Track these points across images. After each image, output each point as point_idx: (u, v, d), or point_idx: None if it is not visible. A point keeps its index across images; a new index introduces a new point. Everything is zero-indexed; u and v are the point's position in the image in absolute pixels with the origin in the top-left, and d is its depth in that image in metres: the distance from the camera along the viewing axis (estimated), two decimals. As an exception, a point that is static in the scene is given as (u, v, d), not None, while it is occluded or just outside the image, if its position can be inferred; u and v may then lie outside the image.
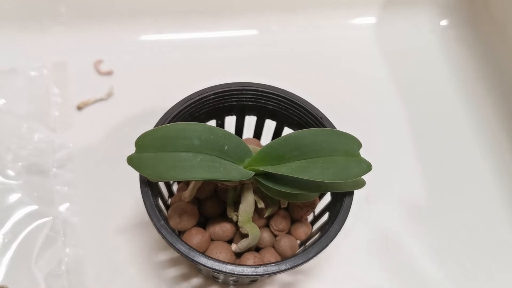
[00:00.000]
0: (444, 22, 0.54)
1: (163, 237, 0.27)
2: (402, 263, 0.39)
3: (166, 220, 0.29)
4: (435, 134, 0.46)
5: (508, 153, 0.45)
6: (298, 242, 0.33)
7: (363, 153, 0.28)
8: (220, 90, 0.32)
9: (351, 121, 0.38)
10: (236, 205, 0.31)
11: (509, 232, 0.41)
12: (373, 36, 0.52)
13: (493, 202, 0.43)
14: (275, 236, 0.33)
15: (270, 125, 0.35)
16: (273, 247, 0.32)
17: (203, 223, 0.33)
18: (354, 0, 0.53)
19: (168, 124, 0.27)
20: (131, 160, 0.26)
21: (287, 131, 0.34)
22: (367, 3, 0.53)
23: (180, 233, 0.32)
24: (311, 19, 0.53)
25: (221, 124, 0.35)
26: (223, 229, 0.31)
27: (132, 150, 0.27)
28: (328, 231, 0.28)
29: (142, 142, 0.27)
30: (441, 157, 0.45)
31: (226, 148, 0.28)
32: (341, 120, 0.34)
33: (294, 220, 0.33)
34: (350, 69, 0.50)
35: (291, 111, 0.33)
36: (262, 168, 0.27)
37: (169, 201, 0.35)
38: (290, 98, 0.32)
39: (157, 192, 0.30)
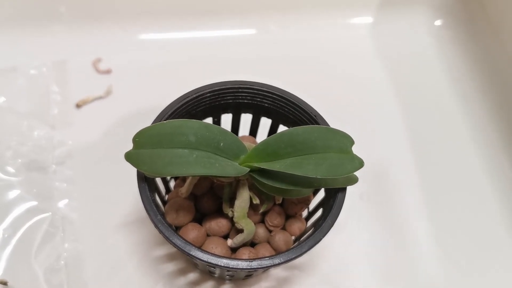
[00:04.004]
0: (438, 22, 0.54)
1: (160, 231, 0.27)
2: (395, 260, 0.39)
3: (163, 215, 0.29)
4: (430, 132, 0.47)
5: (503, 153, 0.46)
6: (293, 237, 0.34)
7: (358, 151, 0.29)
8: (216, 88, 0.33)
9: (346, 120, 0.39)
10: (231, 201, 0.31)
11: (504, 230, 0.42)
12: (369, 36, 0.53)
13: (488, 201, 0.43)
14: (270, 231, 0.33)
15: (265, 123, 0.36)
16: (268, 242, 0.33)
17: (200, 218, 0.33)
18: (351, 0, 0.53)
19: (165, 121, 0.28)
20: (128, 156, 0.27)
21: (282, 129, 0.35)
22: (364, 3, 0.54)
23: (177, 229, 0.33)
24: (309, 19, 0.53)
25: (217, 122, 0.35)
26: (219, 224, 0.32)
27: (130, 147, 0.27)
28: (321, 226, 0.28)
29: (140, 139, 0.27)
30: (436, 155, 0.45)
31: (221, 145, 0.28)
32: (336, 119, 0.34)
33: (289, 216, 0.34)
34: (347, 68, 0.50)
35: (286, 109, 0.33)
36: (257, 165, 0.28)
37: (166, 197, 0.36)
38: (285, 97, 0.33)
39: (154, 188, 0.31)
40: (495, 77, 0.49)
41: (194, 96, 0.32)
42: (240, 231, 0.31)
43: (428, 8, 0.54)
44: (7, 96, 0.44)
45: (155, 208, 0.28)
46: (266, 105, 0.34)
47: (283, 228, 0.34)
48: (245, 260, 0.27)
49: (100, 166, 0.42)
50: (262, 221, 0.33)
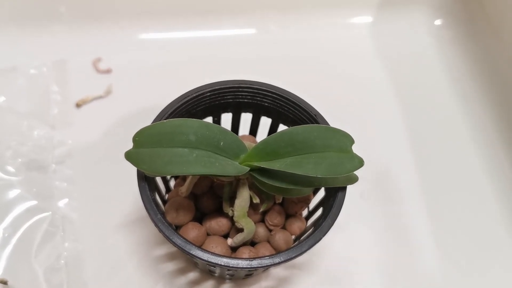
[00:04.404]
0: (438, 22, 0.54)
1: (160, 230, 0.27)
2: (395, 259, 0.39)
3: (163, 214, 0.29)
4: (430, 132, 0.47)
5: (502, 152, 0.46)
6: (293, 237, 0.34)
7: (358, 150, 0.29)
8: (216, 87, 0.33)
9: (346, 119, 0.39)
10: (231, 200, 0.31)
11: (504, 230, 0.42)
12: (369, 36, 0.53)
13: (488, 200, 0.43)
14: (270, 231, 0.33)
15: (265, 122, 0.36)
16: (268, 241, 0.33)
17: (200, 218, 0.33)
18: (351, 0, 0.53)
19: (165, 120, 0.28)
20: (128, 155, 0.27)
21: (282, 128, 0.35)
22: (364, 3, 0.54)
23: (177, 228, 0.33)
24: (309, 19, 0.53)
25: (217, 121, 0.35)
26: (219, 223, 0.32)
27: (130, 146, 0.27)
28: (321, 226, 0.28)
29: (140, 138, 0.27)
30: (436, 155, 0.45)
31: (221, 144, 0.28)
32: (336, 118, 0.34)
33: (289, 216, 0.34)
34: (346, 68, 0.51)
35: (286, 108, 0.33)
36: (257, 164, 0.28)
37: (166, 196, 0.36)
38: (285, 96, 0.33)
39: (154, 187, 0.31)
40: (495, 76, 0.49)
41: (194, 95, 0.32)
42: (240, 230, 0.31)
43: (428, 8, 0.54)
44: (7, 96, 0.44)
45: (155, 207, 0.28)
46: (266, 104, 0.34)
47: (283, 228, 0.34)
48: (245, 259, 0.27)
49: (100, 165, 0.42)
50: (262, 221, 0.33)
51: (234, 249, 0.32)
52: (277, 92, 0.33)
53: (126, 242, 0.38)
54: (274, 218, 0.33)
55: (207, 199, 0.33)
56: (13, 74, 0.46)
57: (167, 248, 0.38)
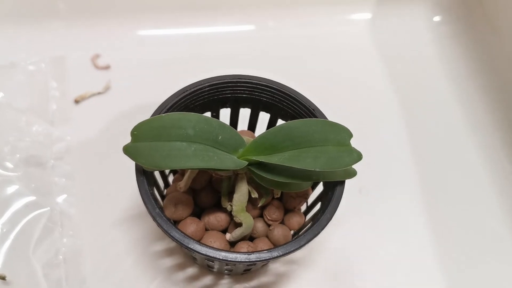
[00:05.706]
0: (437, 18, 0.54)
1: (158, 224, 0.27)
2: (393, 255, 0.39)
3: (161, 209, 0.29)
4: (429, 127, 0.47)
5: (501, 148, 0.46)
6: (292, 232, 0.34)
7: (358, 145, 0.29)
8: (215, 82, 0.33)
9: (345, 114, 0.38)
10: (230, 195, 0.31)
11: (501, 225, 0.42)
12: (368, 32, 0.53)
13: (485, 196, 0.43)
14: (269, 225, 0.33)
15: (264, 118, 0.36)
16: (267, 236, 0.33)
17: (198, 213, 0.33)
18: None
19: (163, 114, 0.28)
20: (127, 150, 0.27)
21: (280, 123, 0.35)
22: (363, -1, 0.54)
23: (175, 223, 0.33)
24: (308, 15, 0.53)
25: (216, 116, 0.35)
26: (218, 218, 0.32)
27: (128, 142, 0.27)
28: (320, 220, 0.28)
29: (138, 132, 0.27)
30: (434, 150, 0.45)
31: (220, 138, 0.28)
32: (334, 113, 0.34)
33: (288, 210, 0.34)
34: (345, 64, 0.51)
35: (284, 103, 0.33)
36: (255, 158, 0.28)
37: (165, 191, 0.36)
38: (284, 91, 0.33)
39: (152, 182, 0.30)
40: (494, 72, 0.49)
41: (193, 90, 0.32)
42: (239, 225, 0.31)
43: (427, 4, 0.54)
44: (5, 92, 0.44)
45: (153, 201, 0.28)
46: (265, 99, 0.34)
47: (282, 222, 0.34)
48: (244, 253, 0.27)
49: (98, 161, 0.42)
50: (261, 215, 0.33)
51: (232, 244, 0.32)
52: (276, 87, 0.33)
53: (124, 237, 0.38)
54: (273, 213, 0.33)
55: (205, 194, 0.33)
56: (12, 70, 0.46)
57: (165, 244, 0.38)
